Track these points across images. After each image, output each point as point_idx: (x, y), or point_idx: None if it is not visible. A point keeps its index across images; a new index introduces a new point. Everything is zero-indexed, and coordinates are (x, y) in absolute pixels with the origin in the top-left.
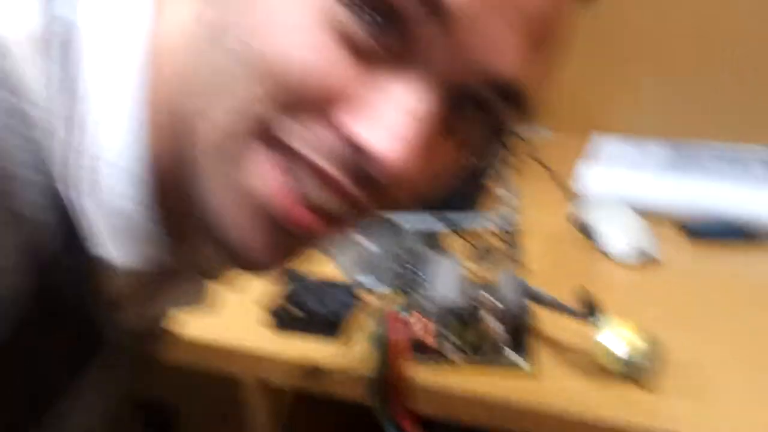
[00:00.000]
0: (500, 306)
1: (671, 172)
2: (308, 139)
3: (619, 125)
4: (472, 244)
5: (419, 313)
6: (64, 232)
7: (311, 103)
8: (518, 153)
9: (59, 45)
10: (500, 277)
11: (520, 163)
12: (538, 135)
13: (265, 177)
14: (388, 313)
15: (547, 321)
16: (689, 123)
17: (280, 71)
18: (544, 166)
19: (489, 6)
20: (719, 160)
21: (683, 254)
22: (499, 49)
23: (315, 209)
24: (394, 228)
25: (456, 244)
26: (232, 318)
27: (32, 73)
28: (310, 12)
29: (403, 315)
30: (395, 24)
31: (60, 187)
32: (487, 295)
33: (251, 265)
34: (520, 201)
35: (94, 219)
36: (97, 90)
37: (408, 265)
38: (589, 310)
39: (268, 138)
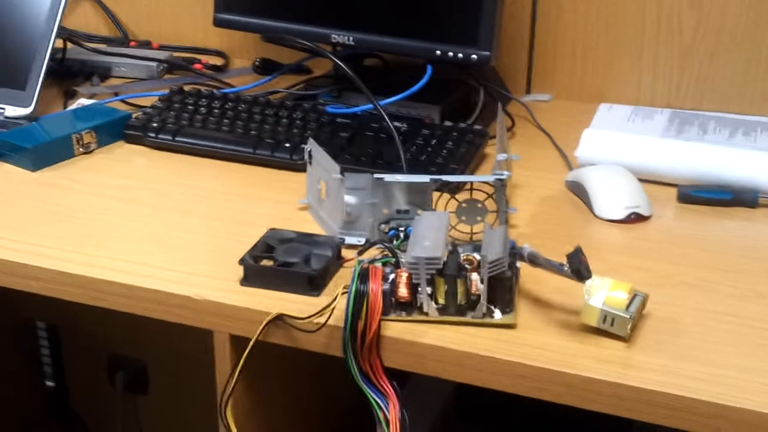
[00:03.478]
0: (484, 263)
1: (671, 138)
2: None
3: (627, 95)
4: (460, 201)
5: (400, 267)
6: None
7: None
8: (519, 118)
9: None
10: (486, 234)
11: (521, 128)
12: (542, 101)
13: None
14: (366, 267)
15: (533, 279)
16: (698, 95)
17: None
18: (544, 131)
19: None
20: (723, 127)
21: (673, 216)
22: None
23: None
24: (380, 182)
25: (444, 200)
26: (204, 271)
27: None
28: None
29: (383, 268)
30: None
31: None
32: (471, 251)
33: None
34: (518, 164)
35: None
36: None
37: (392, 220)
38: (577, 268)
39: None
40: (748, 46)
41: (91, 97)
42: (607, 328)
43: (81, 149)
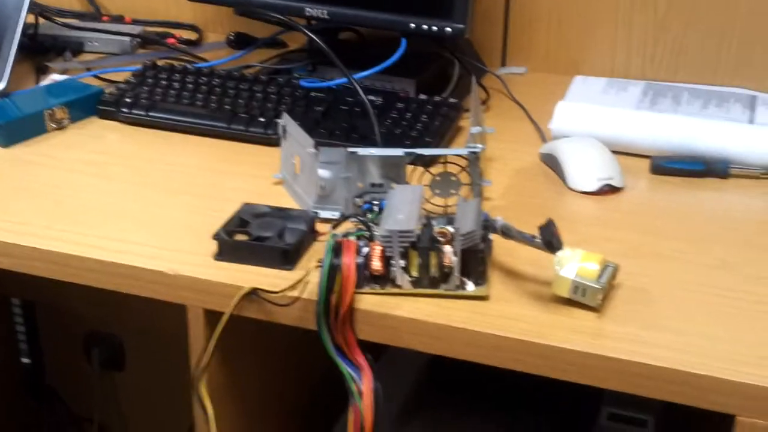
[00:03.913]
0: (457, 235)
1: (645, 109)
2: None
3: (602, 67)
4: (434, 175)
5: (374, 241)
6: None
7: None
8: (494, 91)
9: None
10: (459, 207)
11: (496, 101)
12: (517, 74)
13: None
14: (340, 240)
15: (506, 251)
16: (672, 66)
17: None
18: (518, 104)
19: None
20: (696, 98)
21: (646, 187)
22: None
23: None
24: (354, 156)
25: (418, 174)
26: (178, 246)
27: None
28: None
29: (356, 242)
30: None
31: None
32: (444, 224)
33: None
34: (493, 137)
35: None
36: None
37: (366, 194)
38: (548, 240)
39: None
40: (722, 17)
41: (63, 72)
42: (579, 299)
43: (53, 125)
